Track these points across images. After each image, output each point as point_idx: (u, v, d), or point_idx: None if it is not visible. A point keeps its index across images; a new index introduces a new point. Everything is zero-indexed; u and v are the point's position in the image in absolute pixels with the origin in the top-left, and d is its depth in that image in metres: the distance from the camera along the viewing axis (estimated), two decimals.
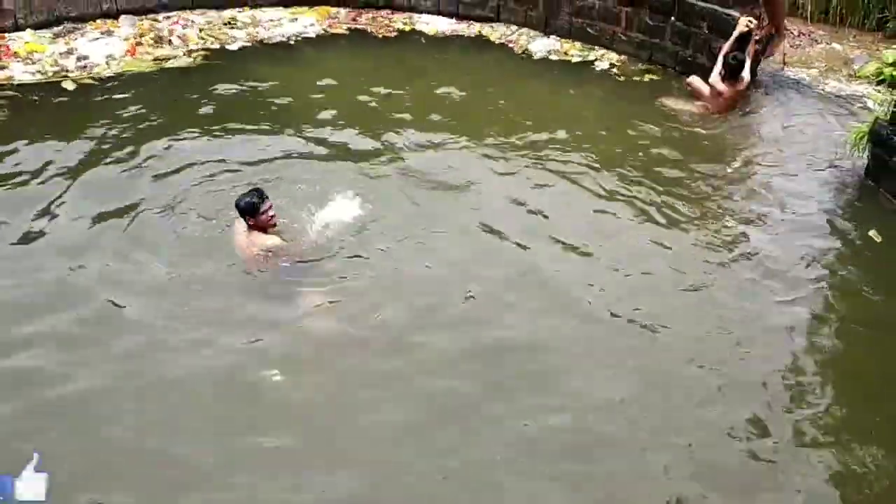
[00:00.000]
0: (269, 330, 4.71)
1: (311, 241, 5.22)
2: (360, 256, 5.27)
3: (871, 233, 5.79)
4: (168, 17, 8.98)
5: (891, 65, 6.16)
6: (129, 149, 6.42)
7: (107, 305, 4.80)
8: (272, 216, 5.11)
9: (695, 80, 7.60)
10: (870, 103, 7.38)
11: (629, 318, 4.92)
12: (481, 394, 4.38)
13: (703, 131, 7.26)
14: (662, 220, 5.93)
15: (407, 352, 4.61)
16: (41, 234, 5.39)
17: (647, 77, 8.32)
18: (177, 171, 6.17)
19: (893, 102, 6.16)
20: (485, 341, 4.72)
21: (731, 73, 7.27)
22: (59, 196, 5.78)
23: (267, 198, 5.09)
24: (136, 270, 5.09)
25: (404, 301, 5.00)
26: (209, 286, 4.98)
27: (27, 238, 5.34)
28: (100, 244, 5.30)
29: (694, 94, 7.57)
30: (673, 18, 8.11)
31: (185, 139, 6.64)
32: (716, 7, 7.76)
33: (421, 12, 9.42)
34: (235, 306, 4.86)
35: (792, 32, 8.88)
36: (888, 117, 6.18)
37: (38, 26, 8.42)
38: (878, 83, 6.34)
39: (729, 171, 6.70)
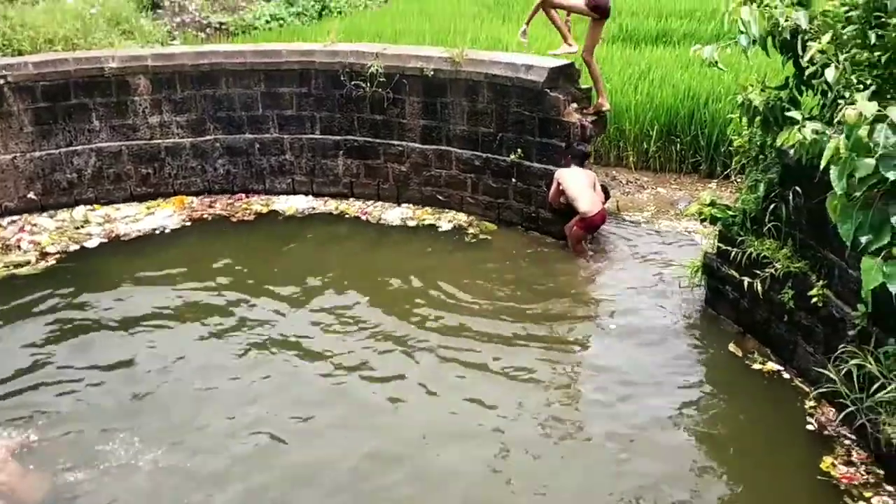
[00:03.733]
0: None
1: None
2: None
3: (731, 346, 6.42)
4: (14, 223, 8.81)
5: (708, 205, 6.90)
6: None
7: None
8: None
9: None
10: (698, 238, 8.20)
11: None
12: None
13: (554, 269, 7.85)
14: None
15: None
16: None
17: (490, 233, 8.83)
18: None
19: (716, 237, 6.87)
20: None
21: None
22: None
23: None
24: None
25: None
26: None
27: None
28: None
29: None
30: (514, 180, 8.78)
31: (30, 353, 6.42)
32: (549, 167, 8.46)
33: (277, 194, 9.73)
34: None
35: (621, 182, 9.82)
36: (715, 251, 6.86)
37: None
38: (702, 221, 7.05)
39: (579, 308, 7.19)
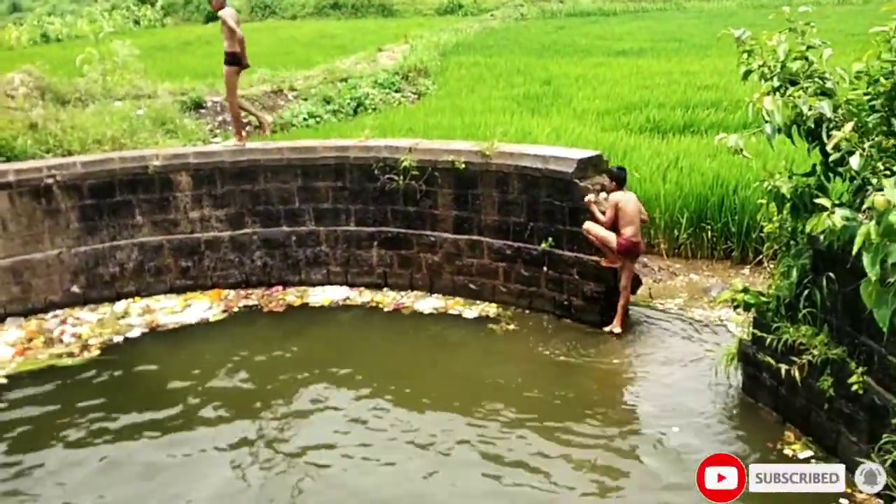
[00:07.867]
0: None
1: None
2: None
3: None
4: (56, 317, 9.03)
5: (741, 292, 6.88)
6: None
7: None
8: None
9: (592, 227, 8.16)
10: (731, 326, 8.12)
11: None
12: None
13: (588, 359, 7.82)
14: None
15: None
16: None
17: (522, 321, 8.84)
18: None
19: (751, 324, 6.81)
20: None
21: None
22: None
23: None
24: None
25: None
26: None
27: None
28: None
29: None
30: (545, 268, 8.85)
31: (77, 445, 6.55)
32: (581, 255, 8.54)
33: (313, 284, 9.88)
34: None
35: (653, 269, 9.83)
36: (750, 338, 6.80)
37: None
38: (735, 308, 7.03)
39: (614, 397, 7.14)
